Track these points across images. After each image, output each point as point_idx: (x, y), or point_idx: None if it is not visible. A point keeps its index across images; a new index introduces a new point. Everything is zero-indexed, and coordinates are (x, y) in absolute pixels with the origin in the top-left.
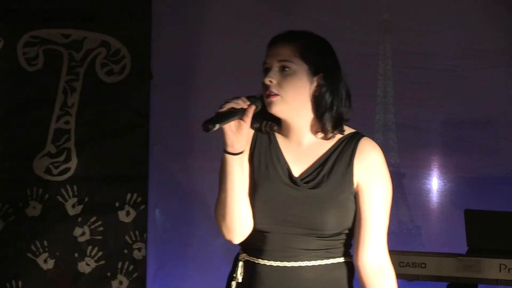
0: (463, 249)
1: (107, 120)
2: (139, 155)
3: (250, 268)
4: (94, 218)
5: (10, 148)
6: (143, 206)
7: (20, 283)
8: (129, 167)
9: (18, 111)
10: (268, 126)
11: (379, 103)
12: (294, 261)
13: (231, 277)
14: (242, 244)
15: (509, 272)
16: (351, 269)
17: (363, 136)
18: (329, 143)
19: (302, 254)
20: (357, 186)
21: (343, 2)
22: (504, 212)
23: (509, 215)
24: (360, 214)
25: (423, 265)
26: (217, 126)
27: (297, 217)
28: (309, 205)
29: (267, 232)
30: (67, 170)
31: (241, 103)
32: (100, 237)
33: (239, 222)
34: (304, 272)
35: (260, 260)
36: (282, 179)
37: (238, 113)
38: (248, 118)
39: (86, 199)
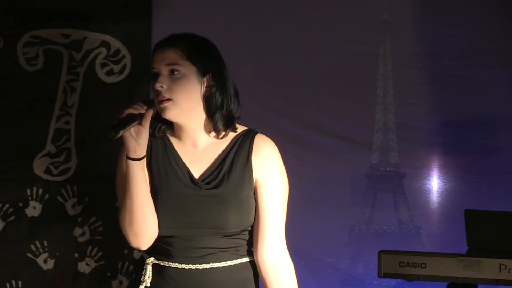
0: (463, 249)
1: (107, 120)
2: None
3: (158, 272)
4: (94, 218)
5: (10, 148)
6: None
7: (20, 283)
8: None
9: (18, 111)
10: (161, 131)
11: (379, 103)
12: (204, 263)
13: (138, 281)
14: (148, 248)
15: (509, 272)
16: (254, 269)
17: (257, 132)
18: (225, 142)
19: (210, 254)
20: (255, 182)
21: (343, 2)
22: (504, 212)
23: (509, 215)
24: (258, 210)
25: (423, 265)
26: (121, 133)
27: (200, 218)
28: (211, 205)
29: (172, 236)
30: (67, 170)
31: (139, 108)
32: (100, 237)
33: (146, 227)
34: (213, 274)
35: (170, 263)
36: (183, 182)
37: (137, 118)
38: (147, 123)
39: (86, 199)
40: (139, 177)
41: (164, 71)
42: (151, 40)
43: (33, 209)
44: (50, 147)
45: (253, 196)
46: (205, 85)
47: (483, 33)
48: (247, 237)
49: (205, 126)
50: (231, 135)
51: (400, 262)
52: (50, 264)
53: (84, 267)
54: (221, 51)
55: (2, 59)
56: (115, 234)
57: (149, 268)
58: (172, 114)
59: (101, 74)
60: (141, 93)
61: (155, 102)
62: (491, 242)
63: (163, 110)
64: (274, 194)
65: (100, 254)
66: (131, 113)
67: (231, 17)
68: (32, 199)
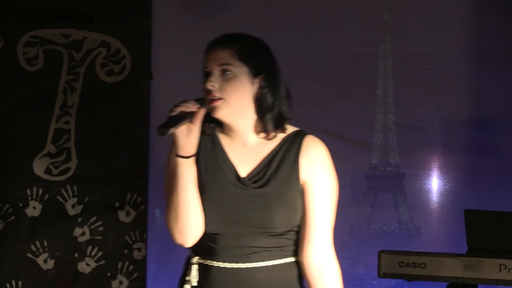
0: (463, 249)
1: (107, 120)
2: (139, 155)
3: (203, 271)
4: (94, 218)
5: (10, 148)
6: (143, 206)
7: (20, 283)
8: (129, 167)
9: (18, 111)
10: (211, 128)
11: (379, 103)
12: (248, 262)
13: (184, 281)
14: (193, 247)
15: (509, 272)
16: (299, 269)
17: (307, 134)
18: (273, 143)
19: (254, 253)
20: (303, 183)
21: (343, 2)
22: (504, 212)
23: (509, 215)
24: (305, 211)
25: (423, 265)
26: (172, 131)
27: (246, 217)
28: (257, 204)
29: (218, 233)
30: (67, 170)
31: (191, 107)
32: (100, 237)
33: (192, 225)
34: (257, 273)
35: (214, 262)
36: (230, 180)
37: (188, 117)
38: (198, 121)
39: (86, 199)
40: (187, 175)
41: (216, 70)
42: (151, 40)
43: (33, 209)
44: (50, 147)
45: (300, 197)
46: (256, 86)
47: (483, 33)
48: (293, 237)
49: (255, 126)
50: (281, 135)
51: (400, 262)
52: (50, 264)
53: (84, 267)
54: None
55: (2, 59)
56: (115, 234)
57: (195, 268)
58: (222, 113)
59: (101, 74)
60: (141, 93)
61: (206, 101)
62: (491, 242)
63: (213, 109)
64: (322, 196)
65: (100, 254)
66: (183, 111)
67: (231, 17)
68: (32, 199)
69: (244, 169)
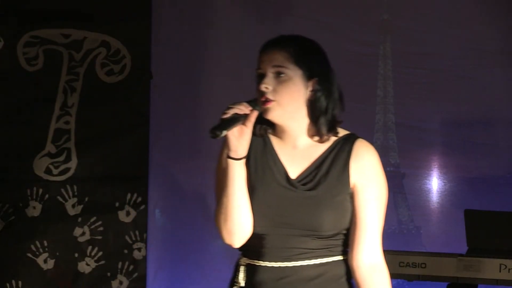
0: (463, 249)
1: (107, 120)
2: (139, 155)
3: (251, 272)
4: (94, 218)
5: (10, 148)
6: (143, 206)
7: (20, 283)
8: (129, 167)
9: (18, 111)
10: (262, 129)
11: (379, 103)
12: (295, 261)
13: (233, 282)
14: (242, 247)
15: (509, 272)
16: (345, 266)
17: (358, 137)
18: (324, 145)
19: (302, 253)
20: (353, 187)
21: (343, 2)
22: (504, 212)
23: (509, 215)
24: (355, 215)
25: (423, 265)
26: (224, 133)
27: (295, 218)
28: (307, 207)
29: (266, 234)
30: (67, 170)
31: (244, 109)
32: (100, 237)
33: (241, 226)
34: (305, 271)
35: (260, 262)
36: (279, 182)
37: (241, 119)
38: (251, 124)
39: (86, 199)
40: (238, 177)
41: (270, 72)
42: (151, 40)
43: (33, 209)
44: (50, 147)
45: (350, 200)
46: (310, 89)
47: (483, 33)
48: (341, 239)
49: (308, 129)
50: (332, 138)
51: (400, 262)
52: (50, 264)
53: (84, 267)
54: (221, 51)
55: (2, 59)
56: (115, 234)
57: (242, 269)
58: (275, 115)
59: (101, 74)
60: (141, 93)
61: (259, 102)
62: (491, 242)
63: (266, 111)
64: (372, 200)
65: (100, 254)
66: (236, 113)
67: (231, 17)
68: (32, 199)
69: (294, 171)
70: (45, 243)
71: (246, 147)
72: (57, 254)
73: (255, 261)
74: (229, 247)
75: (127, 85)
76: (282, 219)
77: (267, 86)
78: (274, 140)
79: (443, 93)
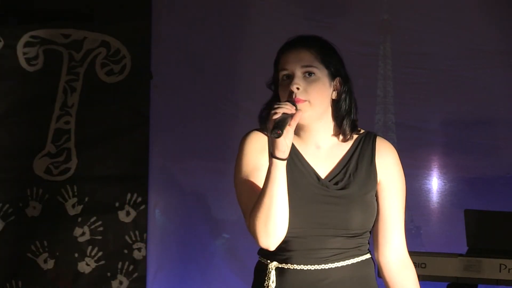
0: (463, 249)
1: (107, 120)
2: (139, 155)
3: (281, 276)
4: (94, 218)
5: (10, 148)
6: (143, 206)
7: (20, 283)
8: (129, 167)
9: (18, 111)
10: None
11: (379, 103)
12: (326, 264)
13: (262, 286)
14: (267, 251)
15: (509, 272)
16: (374, 265)
17: (376, 135)
18: (348, 144)
19: (336, 254)
20: (379, 184)
21: (343, 2)
22: (504, 212)
23: (509, 215)
24: (381, 212)
25: (423, 265)
26: (283, 132)
27: (326, 218)
28: (339, 206)
29: (300, 236)
30: (67, 170)
31: (290, 108)
32: (100, 237)
33: (282, 227)
34: (335, 273)
35: (295, 265)
36: (311, 182)
37: (289, 119)
38: (295, 123)
39: (86, 199)
40: (283, 177)
41: (299, 72)
42: (151, 40)
43: (33, 209)
44: (50, 147)
45: (375, 197)
46: (334, 88)
47: (483, 33)
48: (367, 237)
49: (331, 129)
50: (353, 136)
51: None
52: (50, 264)
53: (84, 267)
54: (220, 51)
55: (2, 59)
56: (115, 234)
57: (273, 274)
58: (306, 115)
59: (101, 74)
60: (141, 93)
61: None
62: (491, 242)
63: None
64: (397, 196)
65: (100, 254)
66: (285, 113)
67: (231, 18)
68: (32, 199)
69: (322, 170)
70: (45, 243)
71: (290, 146)
72: (57, 254)
73: (288, 264)
74: (230, 247)
75: (127, 85)
76: (317, 219)
77: (298, 86)
78: (295, 140)
79: (443, 93)
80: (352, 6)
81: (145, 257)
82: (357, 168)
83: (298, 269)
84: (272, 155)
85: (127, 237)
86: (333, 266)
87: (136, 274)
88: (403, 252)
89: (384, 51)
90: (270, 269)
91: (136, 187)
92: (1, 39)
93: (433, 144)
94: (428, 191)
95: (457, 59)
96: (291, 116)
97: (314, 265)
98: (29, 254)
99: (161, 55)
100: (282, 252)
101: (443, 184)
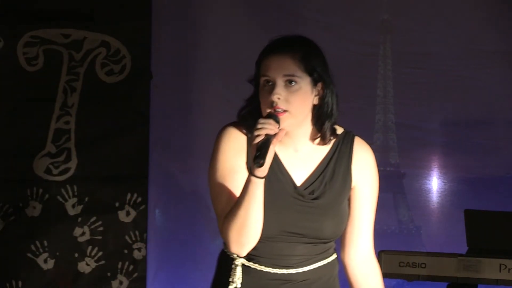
0: (463, 249)
1: (107, 120)
2: (139, 155)
3: (248, 274)
4: (94, 218)
5: (10, 148)
6: (143, 206)
7: (20, 283)
8: (129, 167)
9: (18, 111)
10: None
11: (379, 103)
12: (298, 268)
13: (222, 280)
14: None
15: (509, 272)
16: (338, 265)
17: (354, 135)
18: (326, 148)
19: (306, 260)
20: (353, 189)
21: (343, 2)
22: (504, 212)
23: (509, 215)
24: (352, 214)
25: (423, 265)
26: (265, 161)
27: (303, 228)
28: (312, 215)
29: (273, 242)
30: (67, 170)
31: (273, 128)
32: (100, 237)
33: (255, 238)
34: (301, 276)
35: (262, 267)
36: (287, 190)
37: (271, 139)
38: (278, 142)
39: (86, 199)
40: (260, 194)
41: (281, 81)
42: (151, 40)
43: (33, 209)
44: (50, 147)
45: (347, 202)
46: (315, 93)
47: (483, 33)
48: (334, 240)
49: (310, 133)
50: (331, 139)
51: (400, 262)
52: (50, 264)
53: (84, 267)
54: (220, 51)
55: (2, 59)
56: (115, 234)
57: (239, 270)
58: (287, 124)
59: (101, 74)
60: (141, 93)
61: (265, 110)
62: (491, 242)
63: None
64: (369, 199)
65: (100, 254)
66: (268, 134)
67: (231, 18)
68: (32, 199)
69: (299, 176)
70: (45, 243)
71: (269, 164)
72: (57, 254)
73: (255, 264)
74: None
75: (127, 85)
76: (289, 228)
77: (279, 96)
78: None
79: (443, 93)
80: (352, 6)
81: (145, 257)
82: (333, 175)
83: (264, 271)
84: (251, 173)
85: (127, 237)
86: (300, 271)
87: (136, 274)
88: (369, 254)
89: (384, 51)
90: (236, 265)
91: (136, 187)
92: (1, 39)
93: (433, 144)
94: (428, 191)
95: (457, 59)
96: (274, 135)
97: (281, 269)
98: (29, 254)
99: (161, 55)
100: (254, 253)
101: (443, 184)
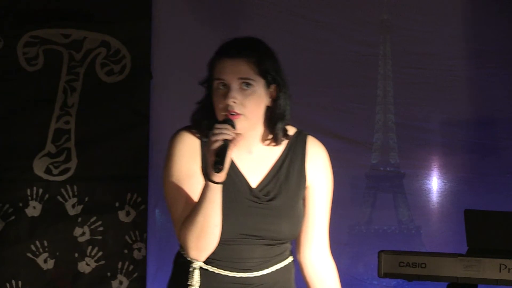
0: (463, 249)
1: (107, 120)
2: (139, 155)
3: (206, 277)
4: (94, 218)
5: (10, 148)
6: (143, 206)
7: (20, 283)
8: (129, 167)
9: (18, 111)
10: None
11: (379, 103)
12: (251, 272)
13: (179, 282)
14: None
15: (509, 272)
16: (294, 267)
17: (307, 135)
18: (279, 148)
19: (263, 263)
20: (307, 189)
21: (343, 2)
22: (504, 212)
23: (509, 215)
24: (306, 214)
25: (423, 265)
26: (224, 166)
27: (260, 230)
28: (268, 217)
29: (228, 244)
30: (67, 170)
31: (230, 133)
32: (100, 237)
33: (213, 243)
34: (259, 280)
35: (220, 270)
36: (242, 193)
37: (229, 144)
38: (234, 147)
39: (86, 199)
40: (218, 199)
41: (236, 84)
42: (151, 40)
43: (33, 209)
44: (50, 147)
45: (303, 202)
46: (269, 95)
47: (483, 33)
48: (290, 241)
49: (262, 134)
50: (284, 139)
51: (400, 262)
52: (50, 264)
53: (84, 267)
54: None
55: (2, 59)
56: (115, 234)
57: (197, 273)
58: (241, 128)
59: (101, 74)
60: (141, 93)
61: (219, 113)
62: (491, 242)
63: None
64: (324, 198)
65: (100, 254)
66: (225, 139)
67: (231, 18)
68: (32, 199)
69: (253, 178)
70: (45, 243)
71: (227, 169)
72: (57, 254)
73: (213, 268)
74: None
75: (127, 85)
76: (247, 230)
77: (235, 100)
78: None
79: (443, 93)
80: (352, 6)
81: (145, 257)
82: (288, 176)
83: (222, 274)
84: (209, 178)
85: (127, 237)
86: (258, 274)
87: (136, 274)
88: (325, 253)
89: (384, 51)
90: (194, 268)
91: (136, 187)
92: (1, 39)
93: (433, 144)
94: (428, 191)
95: (457, 59)
96: (231, 141)
97: (239, 273)
98: (29, 254)
99: (161, 55)
100: (212, 257)
101: (443, 184)
